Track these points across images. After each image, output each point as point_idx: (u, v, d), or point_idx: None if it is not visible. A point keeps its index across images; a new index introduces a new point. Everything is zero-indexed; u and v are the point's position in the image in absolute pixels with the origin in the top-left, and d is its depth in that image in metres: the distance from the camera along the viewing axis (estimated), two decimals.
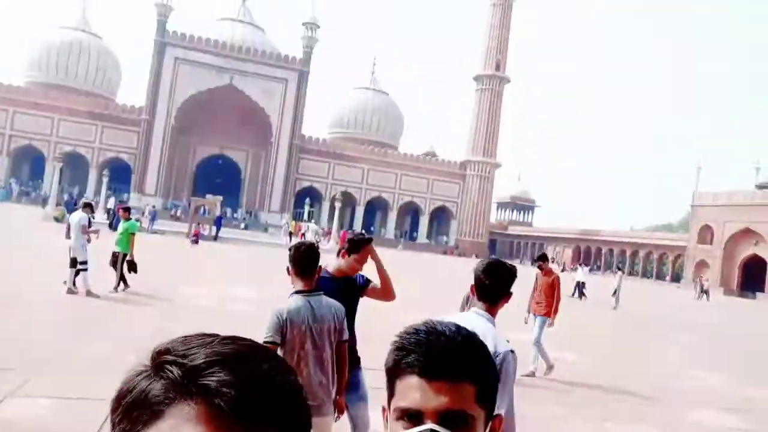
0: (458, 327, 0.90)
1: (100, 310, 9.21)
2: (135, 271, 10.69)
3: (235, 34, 62.24)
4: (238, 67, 57.84)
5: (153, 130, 56.17)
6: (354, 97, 73.85)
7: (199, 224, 31.92)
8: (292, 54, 60.96)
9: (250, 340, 0.56)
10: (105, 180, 40.14)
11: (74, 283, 10.02)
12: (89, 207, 11.05)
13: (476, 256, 63.82)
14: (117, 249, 10.74)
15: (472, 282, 2.48)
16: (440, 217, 70.27)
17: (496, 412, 0.92)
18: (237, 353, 0.52)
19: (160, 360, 0.52)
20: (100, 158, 55.79)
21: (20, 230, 23.74)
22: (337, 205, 43.43)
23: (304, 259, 3.01)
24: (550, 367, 7.95)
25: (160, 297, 10.65)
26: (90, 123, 55.85)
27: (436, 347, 0.84)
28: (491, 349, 1.50)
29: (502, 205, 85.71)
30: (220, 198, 41.41)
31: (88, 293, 10.02)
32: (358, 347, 3.66)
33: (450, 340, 0.86)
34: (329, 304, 3.02)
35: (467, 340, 0.88)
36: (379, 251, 3.88)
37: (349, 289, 3.46)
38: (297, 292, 2.99)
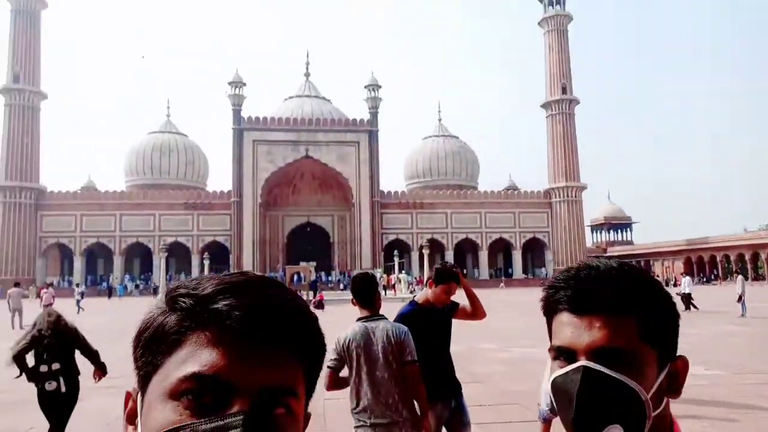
0: (620, 262, 0.83)
1: None
2: None
3: (304, 108, 65.68)
4: (311, 138, 60.63)
5: (243, 210, 59.45)
6: (425, 146, 74.86)
7: (298, 290, 32.97)
8: (360, 117, 63.21)
9: (257, 274, 0.57)
10: (206, 263, 42.71)
11: None
12: None
13: None
14: None
15: None
16: (533, 249, 68.27)
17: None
18: (244, 281, 0.54)
19: (173, 295, 0.54)
20: (200, 244, 59.56)
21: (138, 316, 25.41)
22: (425, 252, 43.43)
23: (362, 288, 3.24)
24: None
25: None
26: (186, 213, 60.13)
27: (587, 280, 0.79)
28: None
29: (596, 228, 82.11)
30: (314, 263, 42.71)
31: None
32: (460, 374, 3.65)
33: (603, 272, 0.80)
34: (386, 327, 3.14)
35: (626, 271, 0.80)
36: (478, 293, 3.95)
37: (435, 317, 3.52)
38: (358, 319, 3.19)
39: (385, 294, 37.74)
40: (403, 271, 49.25)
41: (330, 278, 58.96)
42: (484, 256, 65.62)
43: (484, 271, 64.90)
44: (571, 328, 0.77)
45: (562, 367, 0.77)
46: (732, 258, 60.08)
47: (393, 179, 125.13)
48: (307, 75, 72.71)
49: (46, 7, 63.24)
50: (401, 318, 3.40)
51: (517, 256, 66.77)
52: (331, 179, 61.58)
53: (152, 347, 0.53)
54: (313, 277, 39.47)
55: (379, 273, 46.87)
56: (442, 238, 64.37)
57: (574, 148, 67.05)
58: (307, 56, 75.09)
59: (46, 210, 58.99)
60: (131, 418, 0.55)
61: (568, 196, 65.91)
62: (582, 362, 0.74)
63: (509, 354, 10.38)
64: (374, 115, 62.85)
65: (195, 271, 57.01)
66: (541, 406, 3.38)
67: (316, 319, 0.57)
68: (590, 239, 77.51)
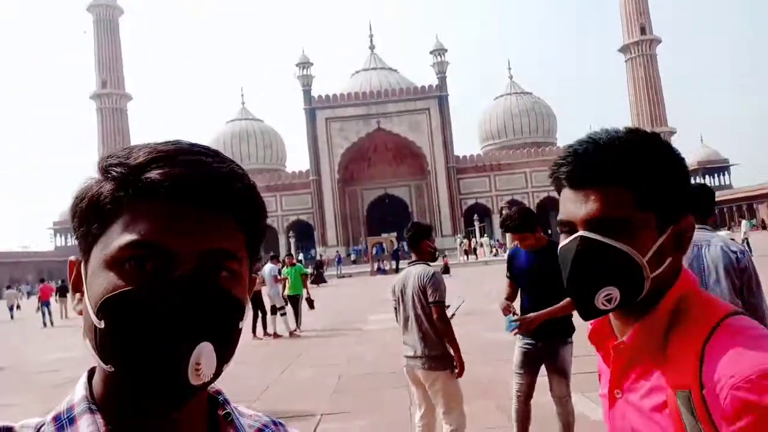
0: (628, 129, 0.85)
1: (302, 346, 10.13)
2: (312, 307, 11.62)
3: (372, 81, 65.63)
4: (381, 110, 60.66)
5: (322, 187, 60.89)
6: (498, 105, 72.91)
7: (380, 260, 33.78)
8: (428, 83, 62.40)
9: (190, 142, 0.56)
10: (292, 241, 44.34)
11: (274, 329, 11.15)
12: (276, 259, 12.35)
13: None
14: (290, 293, 11.52)
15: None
16: None
17: None
18: (177, 150, 0.53)
19: (105, 164, 0.53)
20: (284, 223, 61.75)
21: None
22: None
23: (409, 237, 3.72)
24: None
25: (351, 328, 11.41)
26: (269, 195, 62.32)
27: (585, 155, 0.82)
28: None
29: (690, 174, 77.02)
30: (394, 234, 43.18)
31: (291, 334, 11.10)
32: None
33: (598, 145, 0.82)
34: (417, 271, 3.54)
35: (621, 141, 0.82)
36: None
37: (538, 258, 3.56)
38: (408, 263, 3.75)
39: (467, 259, 37.60)
40: (485, 235, 48.76)
41: None
42: None
43: None
44: (570, 203, 0.83)
45: (565, 240, 0.83)
46: None
47: (468, 143, 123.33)
48: (372, 47, 72.40)
49: (123, 13, 66.81)
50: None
51: None
52: (405, 149, 61.54)
53: (89, 217, 0.53)
54: (395, 246, 40.04)
55: (459, 239, 46.70)
56: (522, 199, 62.85)
57: (659, 91, 62.93)
58: (370, 29, 74.56)
59: None
60: (76, 286, 0.56)
61: None
62: (579, 233, 0.80)
63: None
64: (442, 80, 61.84)
65: (282, 250, 59.36)
66: None
67: (253, 185, 0.57)
68: None
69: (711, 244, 2.58)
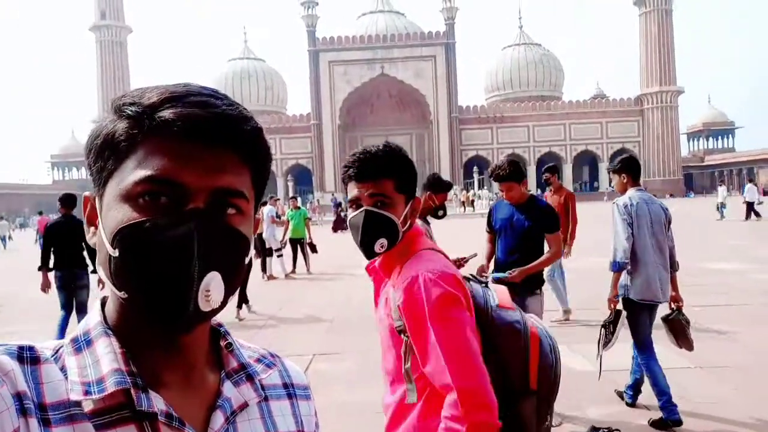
0: (387, 145, 1.47)
1: (299, 287, 10.31)
2: (316, 251, 11.71)
3: (378, 25, 63.99)
4: (386, 55, 59.43)
5: (322, 132, 60.34)
6: (505, 55, 71.39)
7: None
8: (435, 30, 60.85)
9: (200, 85, 0.58)
10: (291, 184, 44.39)
11: (270, 270, 11.28)
12: (274, 201, 12.38)
13: (670, 195, 57.93)
14: (293, 236, 11.58)
15: None
16: None
17: None
18: (189, 91, 0.55)
19: (119, 104, 0.56)
20: (284, 167, 61.52)
21: None
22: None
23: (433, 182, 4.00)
24: (565, 312, 6.54)
25: (345, 273, 11.56)
26: (270, 138, 60.01)
27: (364, 160, 1.42)
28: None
29: (693, 135, 76.51)
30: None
31: (287, 276, 11.25)
32: None
33: (373, 153, 1.43)
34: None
35: (385, 152, 1.44)
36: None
37: (519, 211, 3.79)
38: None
39: (465, 210, 37.75)
40: (484, 188, 48.74)
41: None
42: (568, 169, 63.32)
43: (568, 185, 62.72)
44: (357, 190, 1.43)
45: (353, 212, 1.44)
46: None
47: (472, 94, 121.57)
48: None
49: None
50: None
51: (603, 169, 63.89)
52: (408, 96, 60.62)
53: (104, 154, 0.55)
54: None
55: (455, 190, 46.71)
56: (523, 153, 62.57)
57: (671, 48, 61.47)
58: None
59: None
60: (91, 220, 0.59)
61: (662, 102, 61.30)
62: (364, 207, 1.42)
63: (582, 263, 10.30)
64: (450, 26, 60.30)
65: (281, 193, 59.39)
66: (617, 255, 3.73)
67: (260, 128, 0.59)
68: (686, 148, 72.59)
69: (654, 202, 3.84)
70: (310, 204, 42.14)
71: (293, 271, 11.65)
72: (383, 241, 1.41)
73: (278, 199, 12.99)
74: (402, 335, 1.39)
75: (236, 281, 0.56)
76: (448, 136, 60.66)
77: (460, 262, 3.36)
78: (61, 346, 0.56)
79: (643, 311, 3.76)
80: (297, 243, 11.70)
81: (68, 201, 5.92)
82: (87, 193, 0.60)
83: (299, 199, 43.90)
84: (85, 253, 5.90)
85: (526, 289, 3.62)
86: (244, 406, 0.60)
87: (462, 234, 11.17)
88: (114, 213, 0.54)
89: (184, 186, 0.53)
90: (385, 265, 1.49)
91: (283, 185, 56.82)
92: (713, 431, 3.57)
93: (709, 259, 11.00)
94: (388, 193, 1.40)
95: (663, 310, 3.85)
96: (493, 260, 3.90)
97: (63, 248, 5.85)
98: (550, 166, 7.34)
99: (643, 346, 3.73)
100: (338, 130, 60.47)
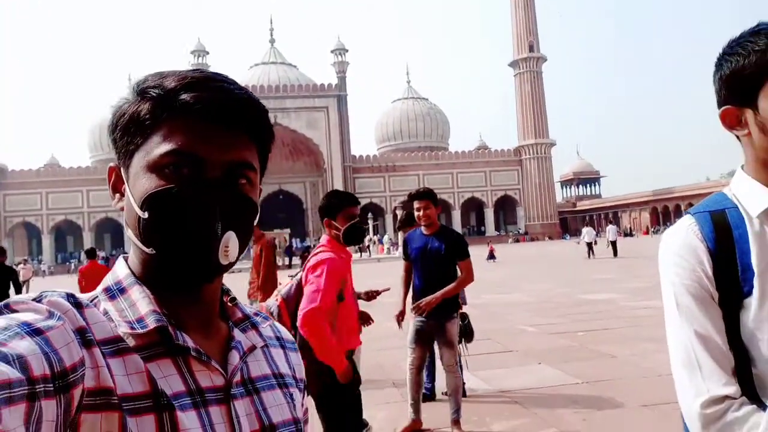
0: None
1: None
2: None
3: (270, 75, 64.51)
4: (279, 105, 59.76)
5: None
6: (395, 108, 74.54)
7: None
8: (328, 82, 62.40)
9: (214, 71, 0.67)
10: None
11: None
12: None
13: (549, 238, 62.47)
14: None
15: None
16: (505, 206, 69.30)
17: None
18: (205, 77, 0.63)
19: (142, 87, 0.63)
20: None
21: None
22: (399, 214, 43.78)
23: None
24: None
25: None
26: None
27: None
28: None
29: (566, 183, 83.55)
30: (288, 230, 42.73)
31: None
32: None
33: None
34: None
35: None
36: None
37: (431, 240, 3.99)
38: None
39: (361, 256, 38.17)
40: (378, 234, 49.65)
41: (304, 244, 59.08)
42: (457, 215, 66.46)
43: (457, 229, 65.59)
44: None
45: None
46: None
47: (364, 144, 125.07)
48: (272, 41, 71.24)
49: None
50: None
51: (489, 214, 67.72)
52: (302, 146, 61.08)
53: (130, 130, 0.62)
54: (287, 243, 39.63)
55: None
56: None
57: (542, 105, 67.58)
58: (271, 22, 73.58)
59: (8, 189, 57.72)
60: (117, 187, 0.66)
61: (537, 153, 66.71)
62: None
63: (480, 300, 10.82)
64: (342, 79, 62.15)
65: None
66: None
67: (266, 110, 0.67)
68: (560, 194, 78.97)
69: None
70: None
71: None
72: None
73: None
74: None
75: (247, 240, 0.64)
76: (342, 183, 61.44)
77: (372, 295, 3.47)
78: (95, 296, 0.62)
79: None
80: None
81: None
82: (111, 164, 0.67)
83: None
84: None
85: (443, 314, 3.83)
86: (252, 348, 0.68)
87: (362, 277, 11.31)
88: (142, 181, 0.61)
89: (204, 159, 0.60)
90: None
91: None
92: None
93: (584, 291, 12.09)
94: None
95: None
96: (411, 287, 4.05)
97: None
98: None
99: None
100: None
